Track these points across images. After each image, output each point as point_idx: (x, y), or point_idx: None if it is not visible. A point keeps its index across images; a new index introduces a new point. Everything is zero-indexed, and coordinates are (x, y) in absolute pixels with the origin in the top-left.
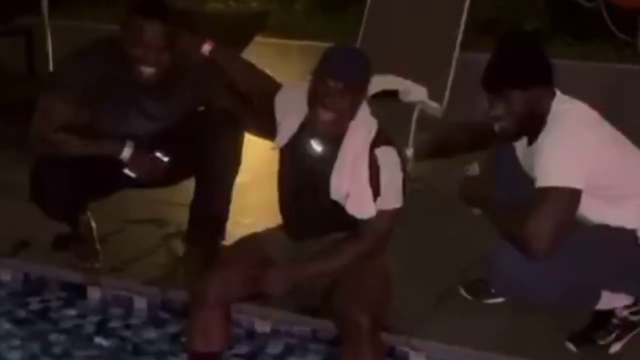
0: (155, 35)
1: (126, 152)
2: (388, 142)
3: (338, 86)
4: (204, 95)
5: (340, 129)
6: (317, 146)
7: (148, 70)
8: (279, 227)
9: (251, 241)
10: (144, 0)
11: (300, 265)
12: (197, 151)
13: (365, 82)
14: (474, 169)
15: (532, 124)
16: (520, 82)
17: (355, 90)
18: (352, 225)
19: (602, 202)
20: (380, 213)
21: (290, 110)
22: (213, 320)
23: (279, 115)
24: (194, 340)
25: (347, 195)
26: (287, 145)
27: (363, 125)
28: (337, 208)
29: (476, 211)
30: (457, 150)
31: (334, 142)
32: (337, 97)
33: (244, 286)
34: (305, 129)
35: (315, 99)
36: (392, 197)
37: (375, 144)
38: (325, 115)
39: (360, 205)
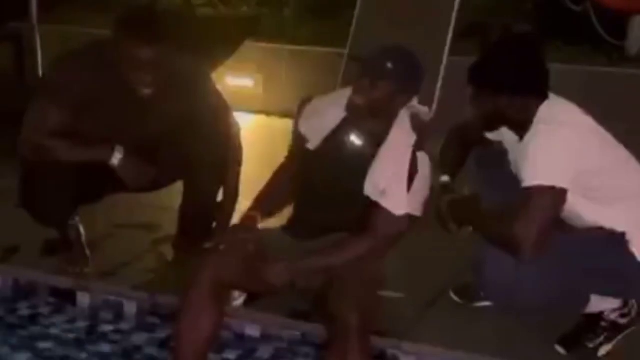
0: (152, 60)
1: (116, 158)
2: (424, 150)
3: (366, 79)
4: (196, 101)
5: (378, 124)
6: (357, 140)
7: (147, 91)
8: (281, 228)
9: (249, 234)
10: (136, 21)
11: (304, 257)
12: (184, 156)
13: (402, 83)
14: (462, 187)
15: (511, 122)
16: (503, 88)
17: (388, 87)
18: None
19: (590, 203)
20: (394, 217)
21: (322, 113)
22: (206, 305)
23: (304, 128)
24: (182, 325)
25: (384, 192)
26: (322, 144)
27: (407, 128)
28: (361, 205)
29: (462, 234)
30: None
31: (375, 137)
32: (367, 87)
33: (240, 274)
34: (344, 127)
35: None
36: (417, 203)
37: (417, 147)
38: (355, 99)
39: (399, 202)
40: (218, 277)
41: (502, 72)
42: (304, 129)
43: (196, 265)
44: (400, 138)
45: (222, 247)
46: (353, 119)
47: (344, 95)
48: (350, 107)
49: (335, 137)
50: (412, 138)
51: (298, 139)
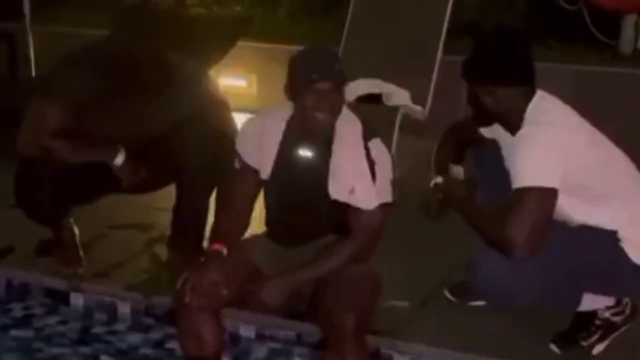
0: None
1: (119, 159)
2: (374, 134)
3: (330, 86)
4: (193, 102)
5: (331, 128)
6: (306, 152)
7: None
8: (265, 234)
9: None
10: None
11: (296, 272)
12: (178, 156)
13: (344, 73)
14: (458, 172)
15: (502, 118)
16: (490, 79)
17: (343, 84)
18: (342, 228)
19: (581, 202)
20: (370, 211)
21: (260, 140)
22: (202, 321)
23: (250, 160)
24: (187, 344)
25: (352, 190)
26: (273, 170)
27: (349, 121)
28: (331, 211)
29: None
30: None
31: (323, 143)
32: (331, 97)
33: (230, 293)
34: (288, 145)
35: (309, 106)
36: (385, 191)
37: (365, 137)
38: (324, 117)
39: (369, 197)
40: (203, 302)
41: (491, 67)
42: (250, 162)
43: (182, 289)
44: (347, 132)
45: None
46: (294, 131)
47: (273, 114)
48: (321, 124)
49: (284, 157)
50: (358, 128)
51: (248, 172)
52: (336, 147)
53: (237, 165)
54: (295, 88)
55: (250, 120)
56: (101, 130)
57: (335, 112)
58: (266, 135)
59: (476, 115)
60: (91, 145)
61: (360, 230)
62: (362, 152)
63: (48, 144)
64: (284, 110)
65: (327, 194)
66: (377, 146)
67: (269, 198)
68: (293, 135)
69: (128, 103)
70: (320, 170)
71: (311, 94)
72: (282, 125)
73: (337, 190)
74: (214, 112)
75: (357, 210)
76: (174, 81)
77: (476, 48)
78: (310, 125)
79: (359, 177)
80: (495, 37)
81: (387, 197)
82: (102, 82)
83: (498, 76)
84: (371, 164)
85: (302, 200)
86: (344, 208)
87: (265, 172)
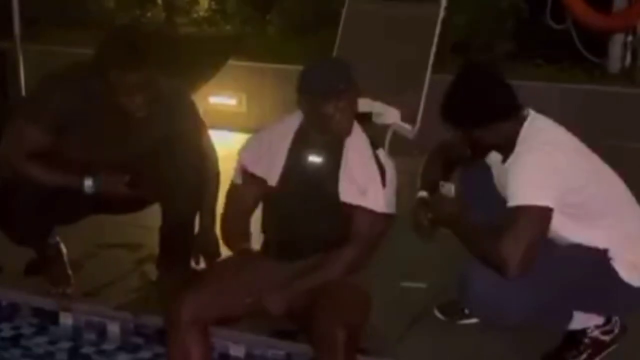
0: (142, 86)
1: (88, 187)
2: (378, 147)
3: (343, 101)
4: (176, 124)
5: (329, 136)
6: (316, 158)
7: (140, 113)
8: (259, 251)
9: (228, 263)
10: (124, 54)
11: (299, 279)
12: (160, 178)
13: (355, 82)
14: (449, 189)
15: (496, 148)
16: (473, 122)
17: (355, 94)
18: (341, 242)
19: (573, 221)
20: (377, 215)
21: (268, 149)
22: (191, 341)
23: (257, 170)
24: None
25: (364, 192)
26: (281, 176)
27: (357, 130)
28: (337, 218)
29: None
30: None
31: (332, 149)
32: (347, 109)
33: (221, 308)
34: (295, 152)
35: (325, 119)
36: (391, 200)
37: (373, 145)
38: (340, 128)
39: (379, 199)
40: (197, 317)
41: (471, 109)
42: (258, 172)
43: (175, 305)
44: (358, 140)
45: (200, 282)
46: (302, 139)
47: (280, 126)
48: (338, 134)
49: (292, 163)
50: (365, 138)
51: (253, 183)
52: (348, 152)
53: (238, 180)
54: (314, 98)
55: (256, 135)
56: (80, 150)
57: (351, 120)
58: (274, 144)
59: (474, 152)
60: (60, 173)
61: (361, 236)
62: (373, 157)
63: (19, 165)
64: (291, 122)
65: (335, 199)
66: (384, 156)
67: (274, 206)
68: (302, 143)
69: (108, 125)
70: (330, 174)
71: (327, 108)
72: (290, 135)
73: (348, 192)
74: (195, 132)
75: (364, 212)
76: (156, 103)
77: (451, 91)
78: (329, 132)
79: (370, 179)
80: (468, 76)
81: (392, 208)
82: (82, 104)
83: (488, 117)
84: (381, 170)
85: (309, 205)
86: (349, 216)
87: (273, 179)
